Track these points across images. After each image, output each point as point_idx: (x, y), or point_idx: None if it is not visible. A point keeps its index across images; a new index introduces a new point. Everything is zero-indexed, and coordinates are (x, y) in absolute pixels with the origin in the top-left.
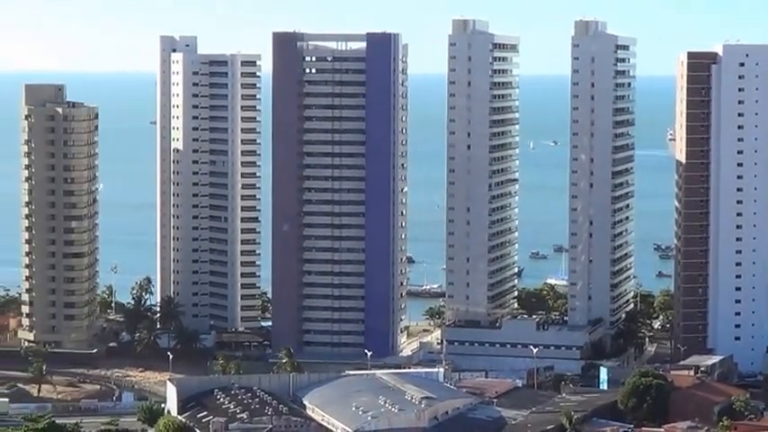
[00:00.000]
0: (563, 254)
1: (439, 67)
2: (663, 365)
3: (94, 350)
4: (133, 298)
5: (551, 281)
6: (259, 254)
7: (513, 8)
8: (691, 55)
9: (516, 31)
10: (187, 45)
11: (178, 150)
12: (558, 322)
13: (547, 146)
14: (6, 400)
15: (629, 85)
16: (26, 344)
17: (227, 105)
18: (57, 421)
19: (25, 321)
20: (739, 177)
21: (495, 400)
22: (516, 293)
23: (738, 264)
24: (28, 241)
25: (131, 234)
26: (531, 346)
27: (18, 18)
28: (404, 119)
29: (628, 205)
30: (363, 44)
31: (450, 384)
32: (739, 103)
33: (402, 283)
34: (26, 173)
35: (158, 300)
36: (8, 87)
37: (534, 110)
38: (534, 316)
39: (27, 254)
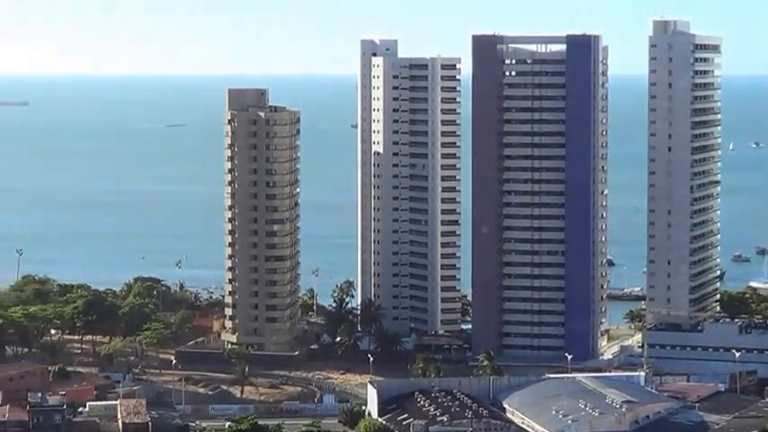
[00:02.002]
0: (766, 257)
1: (640, 68)
2: None
3: (296, 352)
4: (334, 300)
5: (754, 284)
6: (459, 256)
7: (717, 8)
8: None
9: (719, 31)
10: (387, 49)
11: (379, 153)
12: (762, 326)
13: (748, 147)
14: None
15: None
16: (229, 346)
17: (428, 108)
18: (259, 422)
19: (228, 323)
20: None
21: (697, 405)
22: (718, 296)
23: None
24: (231, 244)
25: (332, 237)
26: (734, 350)
27: (219, 26)
28: (604, 121)
29: None
30: (563, 46)
31: (652, 388)
32: None
33: (602, 286)
34: (229, 177)
35: (359, 302)
36: (211, 92)
37: (735, 111)
38: (737, 319)
39: (230, 257)
